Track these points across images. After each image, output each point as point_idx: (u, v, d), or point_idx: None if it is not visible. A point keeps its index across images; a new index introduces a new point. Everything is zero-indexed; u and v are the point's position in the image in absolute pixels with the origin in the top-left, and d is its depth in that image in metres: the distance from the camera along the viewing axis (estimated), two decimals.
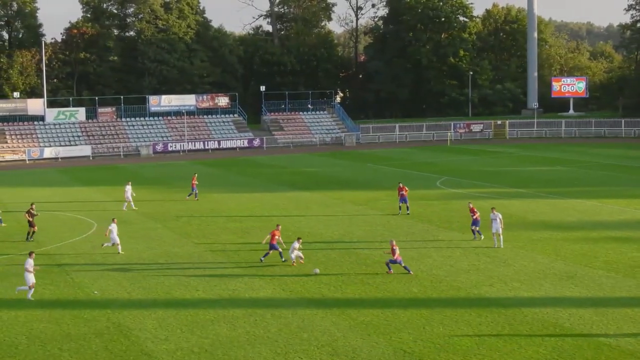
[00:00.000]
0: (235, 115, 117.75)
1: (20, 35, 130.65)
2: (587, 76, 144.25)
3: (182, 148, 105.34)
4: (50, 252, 42.05)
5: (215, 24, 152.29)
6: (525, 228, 46.09)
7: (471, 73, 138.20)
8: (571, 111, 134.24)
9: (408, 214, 50.76)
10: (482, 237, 42.30)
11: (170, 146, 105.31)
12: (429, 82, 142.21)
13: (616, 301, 31.03)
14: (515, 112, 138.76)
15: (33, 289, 32.63)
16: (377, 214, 51.89)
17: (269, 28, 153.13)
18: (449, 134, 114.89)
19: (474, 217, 42.46)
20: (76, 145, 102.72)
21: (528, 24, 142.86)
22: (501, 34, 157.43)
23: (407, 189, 51.90)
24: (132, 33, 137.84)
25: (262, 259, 38.21)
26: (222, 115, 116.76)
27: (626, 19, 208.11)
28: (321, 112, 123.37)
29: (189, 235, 45.72)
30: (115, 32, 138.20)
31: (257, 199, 60.05)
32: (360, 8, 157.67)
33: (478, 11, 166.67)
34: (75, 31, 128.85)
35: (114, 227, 41.03)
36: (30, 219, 45.14)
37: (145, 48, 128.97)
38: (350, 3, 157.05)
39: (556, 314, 29.46)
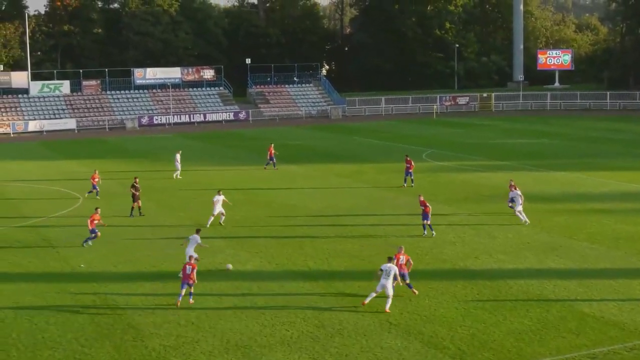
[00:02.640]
0: (221, 88, 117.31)
1: (3, 8, 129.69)
2: (572, 49, 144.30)
3: (167, 121, 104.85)
4: (36, 225, 41.97)
5: None
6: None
7: (457, 45, 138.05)
8: (557, 84, 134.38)
9: (412, 186, 50.85)
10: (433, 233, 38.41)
11: (156, 119, 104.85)
12: (414, 55, 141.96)
13: (600, 272, 31.28)
14: (501, 84, 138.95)
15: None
16: (363, 187, 52.02)
17: (254, 0, 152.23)
18: (434, 106, 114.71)
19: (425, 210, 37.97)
20: (61, 118, 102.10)
21: None
22: (487, 6, 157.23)
23: (413, 162, 52.02)
24: (116, 5, 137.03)
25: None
26: (208, 88, 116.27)
27: None
28: (307, 84, 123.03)
29: (175, 208, 45.70)
30: (99, 4, 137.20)
31: (243, 172, 60.01)
32: None
33: None
34: (59, 3, 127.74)
35: (219, 199, 40.99)
36: (136, 193, 43.95)
37: (130, 20, 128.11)
38: None
39: (540, 285, 29.69)
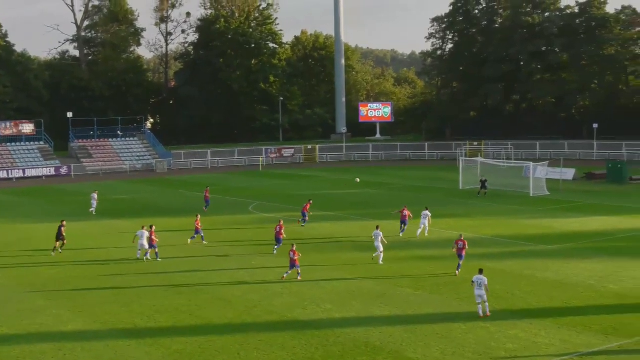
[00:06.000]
0: (41, 142, 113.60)
1: None
2: (392, 101, 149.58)
3: None
4: None
5: (18, 48, 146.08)
6: (337, 249, 47.11)
7: (282, 99, 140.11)
8: (378, 135, 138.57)
9: (303, 225, 55.86)
10: None
11: None
12: (240, 108, 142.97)
13: (424, 318, 32.16)
14: (325, 136, 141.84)
15: None
16: (192, 242, 51.37)
17: (76, 53, 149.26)
18: (260, 159, 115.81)
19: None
20: None
21: (335, 50, 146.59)
22: (310, 60, 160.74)
23: (309, 204, 57.66)
24: None
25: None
26: (27, 143, 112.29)
27: (427, 47, 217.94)
28: (131, 138, 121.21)
29: None
30: None
31: (68, 228, 57.96)
32: (170, 34, 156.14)
33: (287, 38, 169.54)
34: None
35: (143, 233, 44.94)
36: (63, 233, 47.82)
37: None
38: (159, 29, 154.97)
39: (367, 333, 30.18)
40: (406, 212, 51.99)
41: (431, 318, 32.14)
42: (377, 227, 44.06)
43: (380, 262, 42.66)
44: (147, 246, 45.04)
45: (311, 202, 58.93)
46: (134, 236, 45.75)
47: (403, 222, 51.71)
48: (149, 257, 44.97)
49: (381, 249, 43.06)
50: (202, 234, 50.33)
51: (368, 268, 41.52)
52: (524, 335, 29.61)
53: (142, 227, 45.93)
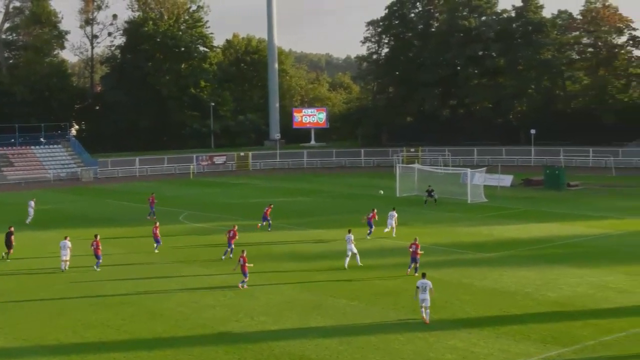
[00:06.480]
0: None
1: None
2: (327, 107, 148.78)
3: None
4: None
5: None
6: (272, 260, 46.12)
7: (213, 104, 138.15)
8: (313, 142, 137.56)
9: (269, 230, 56.99)
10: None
11: None
12: (170, 113, 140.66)
13: (360, 329, 31.38)
14: (258, 143, 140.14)
15: None
16: (120, 252, 49.87)
17: None
18: (191, 166, 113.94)
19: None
20: None
21: (268, 54, 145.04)
22: (242, 64, 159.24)
23: (270, 209, 58.37)
24: None
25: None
26: None
27: (362, 51, 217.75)
28: (55, 145, 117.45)
29: None
30: None
31: None
32: (96, 37, 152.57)
33: (218, 41, 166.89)
34: None
35: (65, 244, 44.21)
36: (12, 240, 48.28)
37: None
38: (85, 31, 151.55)
39: (302, 345, 29.35)
40: (371, 215, 53.80)
41: (368, 329, 31.38)
42: (349, 231, 44.56)
43: (359, 263, 43.53)
44: (68, 257, 44.17)
45: (272, 206, 59.48)
46: (59, 247, 44.20)
47: (370, 225, 53.17)
48: (96, 268, 44.13)
49: (355, 251, 43.39)
50: (160, 243, 49.82)
51: (303, 278, 40.68)
52: (463, 345, 29.11)
53: (65, 238, 44.86)
